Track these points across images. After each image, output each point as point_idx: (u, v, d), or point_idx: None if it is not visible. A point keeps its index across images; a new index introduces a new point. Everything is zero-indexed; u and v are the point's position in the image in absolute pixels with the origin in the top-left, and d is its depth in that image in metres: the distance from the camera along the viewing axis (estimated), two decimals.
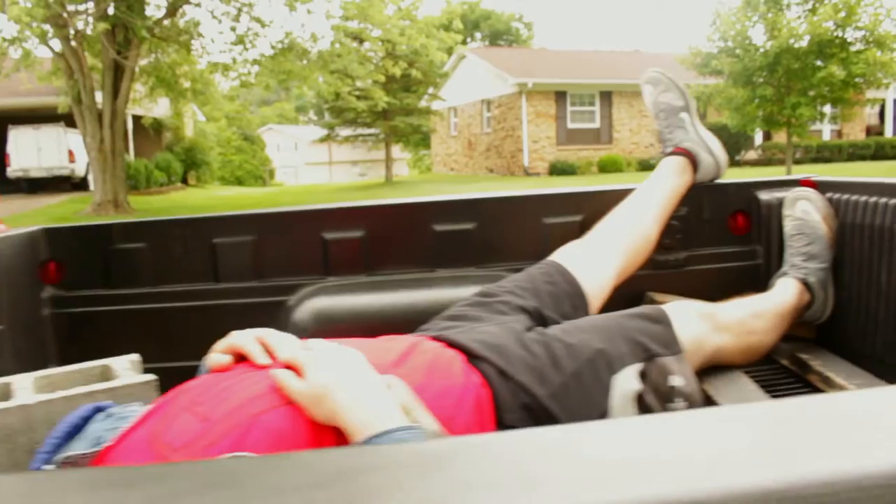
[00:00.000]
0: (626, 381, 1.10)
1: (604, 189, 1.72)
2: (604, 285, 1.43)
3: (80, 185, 15.47)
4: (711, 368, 1.33)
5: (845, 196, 1.52)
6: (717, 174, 1.74)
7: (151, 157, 17.59)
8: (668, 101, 1.74)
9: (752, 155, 19.80)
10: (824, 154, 19.46)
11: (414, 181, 22.16)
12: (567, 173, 18.42)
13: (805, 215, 1.56)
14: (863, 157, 19.35)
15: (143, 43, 11.37)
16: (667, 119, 1.74)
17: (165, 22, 11.88)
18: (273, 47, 12.56)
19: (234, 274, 1.61)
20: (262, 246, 1.62)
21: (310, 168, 36.95)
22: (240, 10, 12.09)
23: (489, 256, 1.66)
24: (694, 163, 1.69)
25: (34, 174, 15.20)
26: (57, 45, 11.24)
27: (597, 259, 1.46)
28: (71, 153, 15.09)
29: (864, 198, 1.46)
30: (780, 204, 1.65)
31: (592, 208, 1.62)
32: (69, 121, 13.04)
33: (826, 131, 20.55)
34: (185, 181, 19.72)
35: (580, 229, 1.58)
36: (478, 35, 39.81)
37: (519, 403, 1.04)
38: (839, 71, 11.85)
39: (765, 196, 1.71)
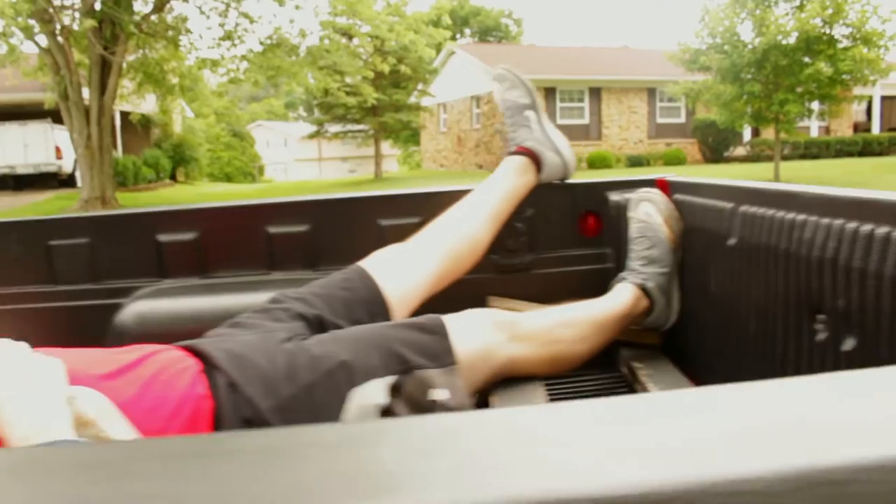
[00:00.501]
0: (369, 395, 1.04)
1: (443, 190, 1.66)
2: (413, 291, 1.35)
3: (67, 181, 15.31)
4: (512, 378, 1.28)
5: (689, 198, 1.46)
6: (565, 174, 1.66)
7: (140, 153, 17.48)
8: (513, 98, 1.68)
9: (740, 151, 19.90)
10: (812, 150, 19.57)
11: (404, 177, 22.14)
12: None
13: (647, 217, 1.49)
14: (850, 154, 19.48)
15: (131, 38, 11.29)
16: (512, 117, 1.67)
17: (153, 17, 11.80)
18: (262, 43, 12.50)
19: (70, 276, 1.58)
20: (98, 248, 1.59)
21: (299, 164, 36.83)
22: (228, 5, 12.03)
23: (323, 259, 1.62)
24: (537, 162, 1.62)
25: (21, 171, 15.07)
26: (43, 40, 11.14)
27: (408, 264, 1.38)
28: (58, 150, 14.96)
29: (702, 200, 1.40)
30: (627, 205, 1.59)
31: (431, 210, 1.55)
32: (56, 117, 12.94)
33: (814, 128, 20.66)
34: (173, 177, 19.61)
35: (418, 231, 1.52)
36: (467, 31, 39.80)
37: (240, 417, 0.99)
38: (826, 68, 11.90)
39: (614, 197, 1.65)
